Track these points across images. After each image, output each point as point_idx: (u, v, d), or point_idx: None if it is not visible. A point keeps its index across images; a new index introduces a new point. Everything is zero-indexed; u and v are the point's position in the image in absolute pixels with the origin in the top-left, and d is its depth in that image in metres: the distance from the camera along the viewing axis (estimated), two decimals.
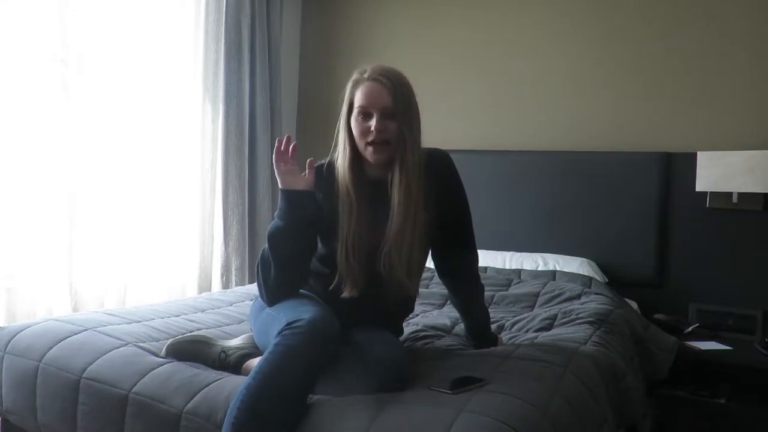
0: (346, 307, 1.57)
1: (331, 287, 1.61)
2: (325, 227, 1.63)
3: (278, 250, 1.59)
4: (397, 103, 1.57)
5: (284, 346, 1.35)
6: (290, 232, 1.58)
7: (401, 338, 1.88)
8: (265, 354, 1.37)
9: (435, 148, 1.71)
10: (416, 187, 1.59)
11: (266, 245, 1.61)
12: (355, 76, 1.63)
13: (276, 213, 1.62)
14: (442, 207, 1.67)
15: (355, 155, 1.62)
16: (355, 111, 1.58)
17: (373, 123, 1.56)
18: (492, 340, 1.85)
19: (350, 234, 1.58)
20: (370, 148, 1.58)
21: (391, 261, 1.58)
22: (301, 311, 1.43)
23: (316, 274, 1.69)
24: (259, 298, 1.69)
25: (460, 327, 2.05)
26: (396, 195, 1.57)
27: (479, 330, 1.84)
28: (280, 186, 1.59)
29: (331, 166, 1.66)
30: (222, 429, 1.29)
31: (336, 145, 1.66)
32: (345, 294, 1.59)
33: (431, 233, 1.67)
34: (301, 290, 1.67)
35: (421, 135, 1.63)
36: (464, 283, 1.82)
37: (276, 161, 1.58)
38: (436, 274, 2.73)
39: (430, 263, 1.82)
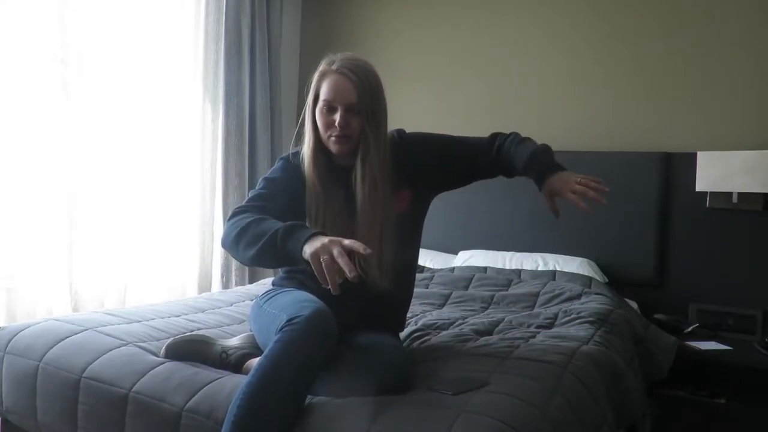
0: (335, 301, 1.48)
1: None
2: (300, 218, 1.60)
3: (252, 251, 1.43)
4: (362, 99, 1.56)
5: (284, 342, 1.35)
6: (269, 262, 1.52)
7: (401, 336, 1.87)
8: (266, 351, 1.37)
9: (390, 133, 1.70)
10: (382, 180, 1.59)
11: (256, 228, 1.43)
12: (323, 66, 1.61)
13: (286, 240, 1.37)
14: (434, 170, 1.70)
15: (319, 145, 1.63)
16: (320, 103, 1.58)
17: (337, 117, 1.56)
18: (549, 165, 1.65)
19: (319, 224, 1.57)
20: (332, 139, 1.59)
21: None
22: (300, 307, 1.43)
23: (305, 271, 1.66)
24: (259, 299, 1.69)
25: (461, 323, 2.05)
26: (360, 191, 1.57)
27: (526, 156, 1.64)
28: (310, 254, 1.31)
29: (300, 155, 1.66)
30: (223, 426, 1.29)
31: (302, 135, 1.66)
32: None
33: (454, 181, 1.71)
34: (299, 288, 1.65)
35: (387, 128, 1.63)
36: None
37: (345, 255, 1.27)
38: (435, 274, 2.78)
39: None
